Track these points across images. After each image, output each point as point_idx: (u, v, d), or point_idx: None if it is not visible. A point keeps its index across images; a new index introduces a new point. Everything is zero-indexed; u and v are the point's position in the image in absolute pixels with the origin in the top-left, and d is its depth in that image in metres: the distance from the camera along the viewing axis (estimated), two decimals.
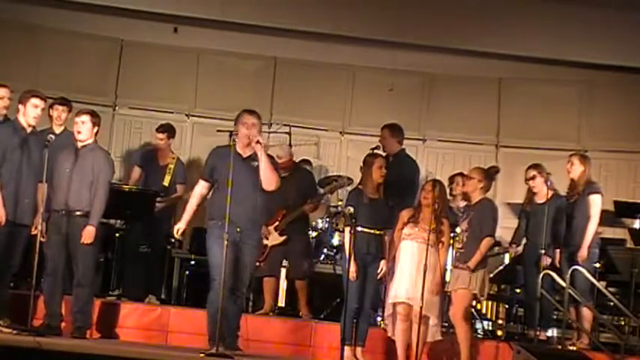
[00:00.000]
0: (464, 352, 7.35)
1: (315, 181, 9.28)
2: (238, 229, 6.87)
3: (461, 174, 9.13)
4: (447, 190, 8.96)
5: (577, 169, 8.57)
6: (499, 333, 9.11)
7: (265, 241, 8.75)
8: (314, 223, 9.67)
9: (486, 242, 7.40)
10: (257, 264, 8.96)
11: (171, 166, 9.37)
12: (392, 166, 8.20)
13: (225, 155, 6.98)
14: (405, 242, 7.55)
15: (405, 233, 7.56)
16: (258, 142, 6.92)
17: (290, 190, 8.78)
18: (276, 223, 8.78)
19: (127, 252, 9.01)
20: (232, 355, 6.62)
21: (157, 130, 9.52)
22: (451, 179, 9.16)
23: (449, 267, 8.00)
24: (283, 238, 8.75)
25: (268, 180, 7.01)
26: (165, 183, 9.28)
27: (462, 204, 8.60)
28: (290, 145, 10.15)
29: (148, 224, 9.02)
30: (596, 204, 8.45)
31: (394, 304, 7.51)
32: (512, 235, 9.06)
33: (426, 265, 7.31)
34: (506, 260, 9.54)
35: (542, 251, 8.34)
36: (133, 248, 8.99)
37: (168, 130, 9.48)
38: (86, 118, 7.61)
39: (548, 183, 8.54)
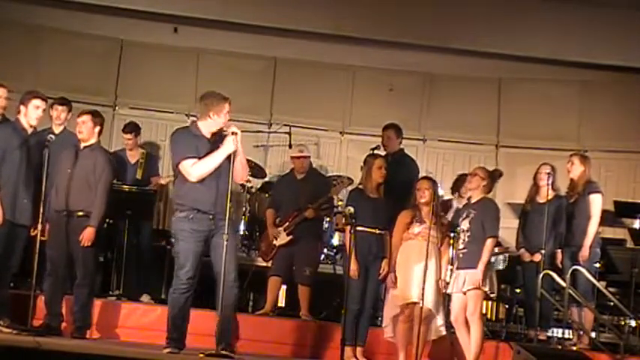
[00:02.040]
0: (476, 351, 7.33)
1: (330, 185, 9.20)
2: (211, 218, 6.58)
3: None
4: (458, 190, 8.99)
5: (577, 169, 8.58)
6: (499, 333, 9.11)
7: (274, 242, 8.76)
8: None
9: (491, 242, 7.37)
10: (263, 261, 9.04)
11: (142, 161, 9.41)
12: (392, 166, 8.21)
13: (195, 140, 6.66)
14: (411, 242, 7.54)
15: (411, 233, 7.55)
16: (234, 132, 6.55)
17: (305, 192, 8.80)
18: (286, 223, 8.78)
19: (119, 251, 9.00)
20: (233, 355, 6.60)
21: (124, 131, 9.51)
22: (461, 179, 9.09)
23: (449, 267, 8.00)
24: (289, 238, 8.73)
25: (241, 173, 6.75)
26: (138, 176, 9.31)
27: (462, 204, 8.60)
28: (290, 146, 10.17)
29: (131, 222, 8.97)
30: (596, 203, 8.46)
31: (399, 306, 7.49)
32: (515, 237, 9.01)
33: (430, 264, 7.34)
34: (507, 260, 9.55)
35: (542, 251, 8.34)
36: (121, 247, 8.96)
37: (134, 129, 9.50)
38: (86, 117, 7.62)
39: (550, 182, 8.53)
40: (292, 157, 9.09)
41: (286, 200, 8.91)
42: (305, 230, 8.76)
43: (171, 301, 6.73)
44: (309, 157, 9.10)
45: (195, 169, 6.58)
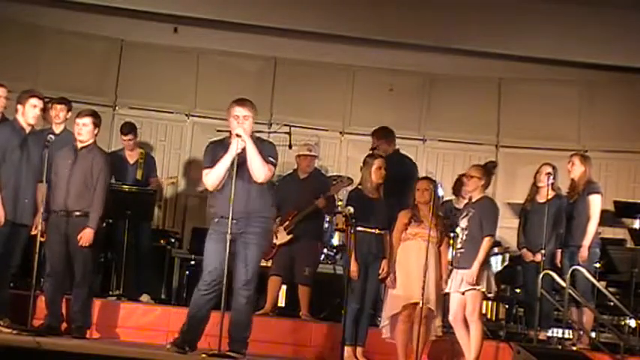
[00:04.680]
0: (475, 352, 7.33)
1: (329, 186, 9.20)
2: (234, 222, 6.53)
3: None
4: (458, 190, 8.98)
5: (577, 169, 8.58)
6: (499, 333, 9.11)
7: (274, 240, 8.76)
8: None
9: (488, 241, 7.34)
10: (264, 261, 9.03)
11: (141, 161, 9.41)
12: (390, 166, 8.19)
13: (221, 150, 6.68)
14: (410, 242, 7.54)
15: (410, 233, 7.55)
16: (237, 135, 6.55)
17: (306, 192, 8.80)
18: (287, 222, 8.78)
19: (117, 251, 9.00)
20: (233, 355, 6.59)
21: (122, 132, 9.50)
22: (461, 180, 9.08)
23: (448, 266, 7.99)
24: (289, 237, 8.73)
25: (257, 171, 6.60)
26: (138, 177, 9.32)
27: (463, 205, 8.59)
28: (290, 146, 10.16)
29: (131, 222, 8.94)
30: (596, 204, 8.45)
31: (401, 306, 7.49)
32: (516, 236, 8.99)
33: (430, 263, 7.34)
34: (507, 260, 9.55)
35: (543, 251, 8.33)
36: (119, 247, 8.96)
37: (132, 129, 9.49)
38: (87, 120, 7.58)
39: (551, 182, 8.52)
40: (300, 155, 9.07)
41: (287, 199, 8.90)
42: (305, 230, 8.76)
43: (193, 300, 6.77)
44: (317, 156, 9.11)
45: (208, 178, 6.68)
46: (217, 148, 6.75)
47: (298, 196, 8.83)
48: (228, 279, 6.53)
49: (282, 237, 8.76)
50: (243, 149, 6.57)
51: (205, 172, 6.71)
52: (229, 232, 6.48)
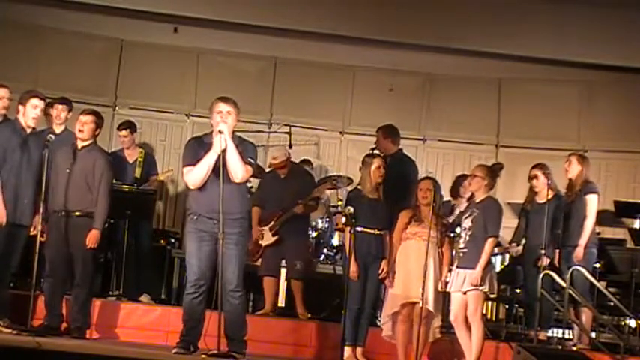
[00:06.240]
0: (477, 352, 7.33)
1: (314, 182, 9.23)
2: (215, 223, 6.48)
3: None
4: (456, 191, 8.98)
5: (575, 169, 8.57)
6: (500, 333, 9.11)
7: (260, 241, 8.76)
8: (314, 224, 9.68)
9: (491, 242, 7.34)
10: (251, 261, 9.02)
11: (140, 160, 9.40)
12: (389, 167, 8.20)
13: (202, 147, 6.64)
14: (410, 242, 7.55)
15: (410, 232, 7.56)
16: (220, 131, 6.51)
17: (288, 191, 8.79)
18: (272, 223, 8.77)
19: (117, 251, 8.99)
20: (234, 355, 6.60)
21: (119, 129, 9.51)
22: (458, 181, 9.09)
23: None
24: (275, 238, 8.74)
25: (235, 171, 6.52)
26: (137, 175, 9.31)
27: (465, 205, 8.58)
28: (290, 146, 10.16)
29: (131, 221, 8.93)
30: (592, 204, 8.44)
31: (400, 305, 7.49)
32: (512, 234, 9.02)
33: (428, 263, 7.34)
34: (506, 260, 9.55)
35: (543, 251, 8.33)
36: (119, 247, 8.95)
37: (130, 126, 9.49)
38: (90, 118, 7.59)
39: (549, 182, 8.52)
40: (271, 164, 9.09)
41: (270, 198, 8.89)
42: (291, 229, 8.77)
43: (184, 305, 6.77)
44: (285, 160, 8.95)
45: (189, 176, 6.62)
46: (198, 145, 6.70)
47: (281, 195, 8.81)
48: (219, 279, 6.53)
49: (267, 238, 8.77)
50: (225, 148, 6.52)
51: (186, 169, 6.62)
52: (221, 230, 6.42)
